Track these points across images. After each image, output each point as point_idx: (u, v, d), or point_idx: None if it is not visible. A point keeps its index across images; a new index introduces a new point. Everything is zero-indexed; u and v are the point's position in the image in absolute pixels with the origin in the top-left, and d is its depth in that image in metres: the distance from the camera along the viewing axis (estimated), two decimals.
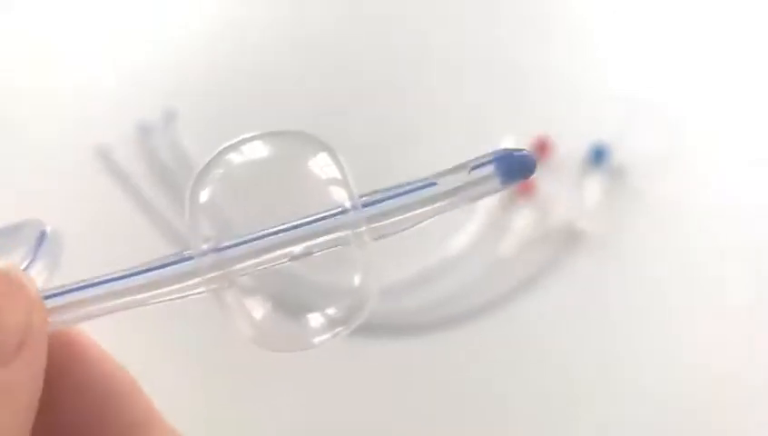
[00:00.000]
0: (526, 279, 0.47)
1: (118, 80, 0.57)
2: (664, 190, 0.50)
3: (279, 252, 0.18)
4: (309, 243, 0.19)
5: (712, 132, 0.53)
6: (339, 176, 0.19)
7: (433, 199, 0.19)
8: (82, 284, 0.19)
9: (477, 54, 0.58)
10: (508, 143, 0.50)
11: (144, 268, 0.19)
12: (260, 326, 0.19)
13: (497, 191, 0.19)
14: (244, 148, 0.19)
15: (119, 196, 0.51)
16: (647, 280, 0.47)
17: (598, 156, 0.50)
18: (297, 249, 0.19)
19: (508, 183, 0.18)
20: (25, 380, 0.17)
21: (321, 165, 0.19)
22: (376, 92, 0.56)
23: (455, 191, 0.18)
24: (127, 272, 0.19)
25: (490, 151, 0.19)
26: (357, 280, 0.19)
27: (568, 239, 0.48)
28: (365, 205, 0.19)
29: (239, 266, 0.19)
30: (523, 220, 0.49)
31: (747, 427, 0.42)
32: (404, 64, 0.58)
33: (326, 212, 0.19)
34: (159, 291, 0.19)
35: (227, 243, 0.19)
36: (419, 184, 0.19)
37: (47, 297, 0.18)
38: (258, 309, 0.19)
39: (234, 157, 0.19)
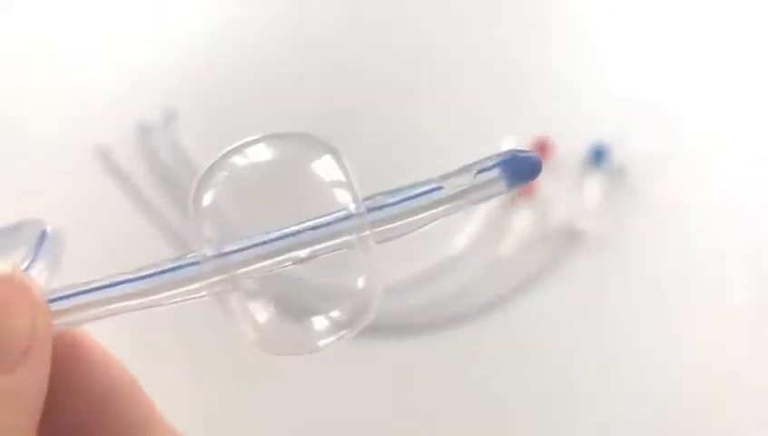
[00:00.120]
0: (526, 279, 0.47)
1: (118, 80, 0.57)
2: (664, 190, 0.50)
3: (283, 257, 0.18)
4: (313, 248, 0.18)
5: (712, 132, 0.53)
6: (343, 179, 0.19)
7: (439, 202, 0.18)
8: (86, 287, 0.18)
9: (477, 54, 0.58)
10: (508, 143, 0.50)
11: (148, 272, 0.18)
12: (264, 330, 0.19)
13: (502, 193, 0.18)
14: (248, 151, 0.19)
15: (119, 196, 0.51)
16: (647, 280, 0.47)
17: (598, 156, 0.50)
18: (301, 253, 0.18)
19: (514, 186, 0.18)
20: (30, 385, 0.17)
21: (326, 168, 0.19)
22: (376, 92, 0.56)
23: (461, 194, 0.18)
24: (131, 276, 0.18)
25: (496, 153, 0.19)
26: (361, 283, 0.19)
27: (568, 239, 0.48)
28: (370, 209, 0.18)
29: (243, 270, 0.18)
30: (523, 220, 0.49)
31: (747, 427, 0.42)
32: (404, 64, 0.58)
33: (331, 216, 0.19)
34: (162, 295, 0.18)
35: (231, 247, 0.18)
36: (425, 188, 0.18)
37: (51, 300, 0.18)
38: (262, 312, 0.19)
39: (238, 160, 0.19)
